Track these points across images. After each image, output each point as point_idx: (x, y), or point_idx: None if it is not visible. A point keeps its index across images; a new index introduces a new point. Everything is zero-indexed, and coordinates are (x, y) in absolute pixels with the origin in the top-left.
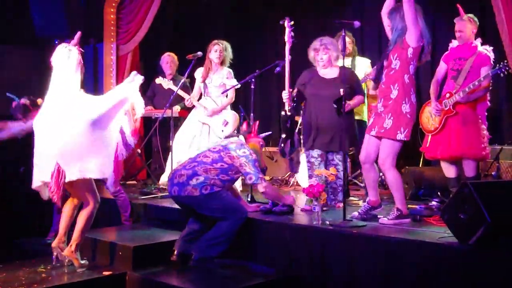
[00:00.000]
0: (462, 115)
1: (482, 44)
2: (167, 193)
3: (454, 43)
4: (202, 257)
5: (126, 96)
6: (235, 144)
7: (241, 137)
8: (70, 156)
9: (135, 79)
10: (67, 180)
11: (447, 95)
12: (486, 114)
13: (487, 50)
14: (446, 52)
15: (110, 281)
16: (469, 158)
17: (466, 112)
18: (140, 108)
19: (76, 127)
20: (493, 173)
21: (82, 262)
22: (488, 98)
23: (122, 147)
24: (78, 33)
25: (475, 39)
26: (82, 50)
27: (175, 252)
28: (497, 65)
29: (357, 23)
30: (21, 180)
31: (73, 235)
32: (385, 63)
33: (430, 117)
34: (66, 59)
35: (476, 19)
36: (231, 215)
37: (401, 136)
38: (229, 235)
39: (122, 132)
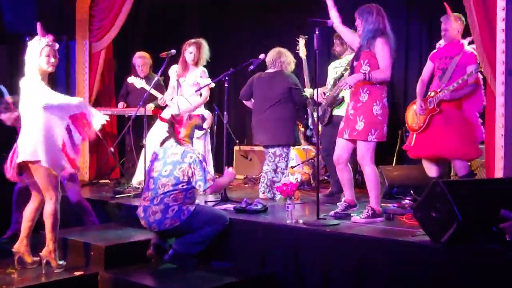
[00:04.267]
0: (445, 114)
1: (469, 43)
2: (141, 192)
3: (441, 42)
4: (180, 253)
5: (81, 105)
6: (179, 154)
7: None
8: (24, 137)
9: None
10: (19, 160)
11: (432, 93)
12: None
13: (474, 49)
14: (434, 51)
15: (82, 282)
16: (458, 158)
17: (450, 111)
18: (99, 120)
19: (32, 110)
20: None
21: (60, 262)
22: (484, 97)
23: (70, 145)
24: (38, 24)
25: (464, 38)
26: (50, 39)
27: (151, 247)
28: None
29: (330, 22)
30: None
31: (46, 236)
32: (355, 63)
33: (415, 116)
34: (28, 50)
35: (463, 18)
36: (217, 222)
37: (371, 138)
38: (212, 237)
39: (68, 131)
